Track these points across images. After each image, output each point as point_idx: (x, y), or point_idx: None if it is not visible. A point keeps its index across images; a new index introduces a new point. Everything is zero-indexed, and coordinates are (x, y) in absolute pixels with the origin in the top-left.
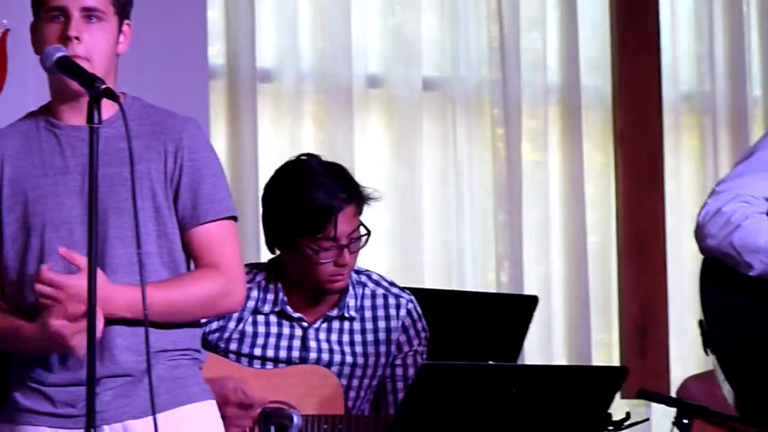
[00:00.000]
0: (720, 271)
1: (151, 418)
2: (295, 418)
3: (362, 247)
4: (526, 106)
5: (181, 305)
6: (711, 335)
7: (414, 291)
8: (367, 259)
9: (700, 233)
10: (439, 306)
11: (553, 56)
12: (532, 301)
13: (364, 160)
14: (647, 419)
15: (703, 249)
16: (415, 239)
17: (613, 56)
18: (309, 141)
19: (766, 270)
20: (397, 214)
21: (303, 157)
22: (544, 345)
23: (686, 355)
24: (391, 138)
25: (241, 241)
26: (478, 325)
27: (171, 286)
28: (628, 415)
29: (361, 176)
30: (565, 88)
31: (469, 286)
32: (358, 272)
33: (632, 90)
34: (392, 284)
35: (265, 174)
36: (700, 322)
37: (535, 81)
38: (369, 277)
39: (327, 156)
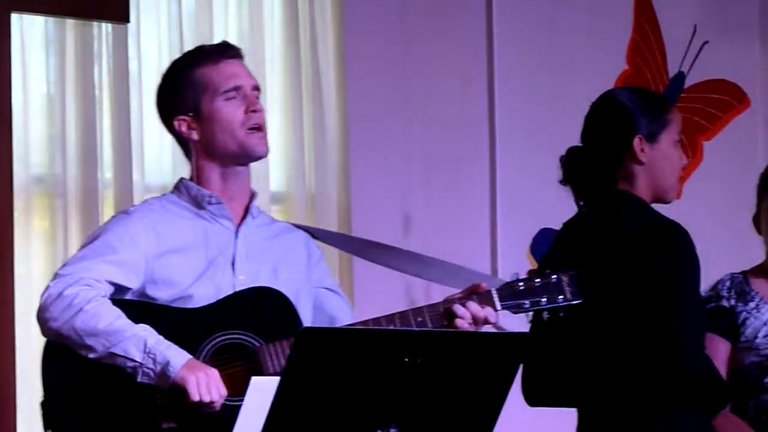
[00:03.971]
0: (62, 353)
1: None
2: None
3: None
4: None
5: None
6: (52, 417)
7: None
8: None
9: (42, 316)
10: None
11: None
12: None
13: None
14: None
15: (45, 332)
16: None
17: None
18: None
19: (104, 353)
20: None
21: None
22: None
23: None
24: None
25: None
26: None
27: None
28: None
29: None
30: None
31: None
32: None
33: None
34: None
35: None
36: (42, 404)
37: None
38: None
39: None
